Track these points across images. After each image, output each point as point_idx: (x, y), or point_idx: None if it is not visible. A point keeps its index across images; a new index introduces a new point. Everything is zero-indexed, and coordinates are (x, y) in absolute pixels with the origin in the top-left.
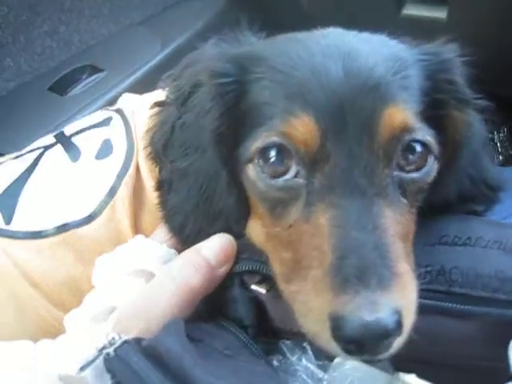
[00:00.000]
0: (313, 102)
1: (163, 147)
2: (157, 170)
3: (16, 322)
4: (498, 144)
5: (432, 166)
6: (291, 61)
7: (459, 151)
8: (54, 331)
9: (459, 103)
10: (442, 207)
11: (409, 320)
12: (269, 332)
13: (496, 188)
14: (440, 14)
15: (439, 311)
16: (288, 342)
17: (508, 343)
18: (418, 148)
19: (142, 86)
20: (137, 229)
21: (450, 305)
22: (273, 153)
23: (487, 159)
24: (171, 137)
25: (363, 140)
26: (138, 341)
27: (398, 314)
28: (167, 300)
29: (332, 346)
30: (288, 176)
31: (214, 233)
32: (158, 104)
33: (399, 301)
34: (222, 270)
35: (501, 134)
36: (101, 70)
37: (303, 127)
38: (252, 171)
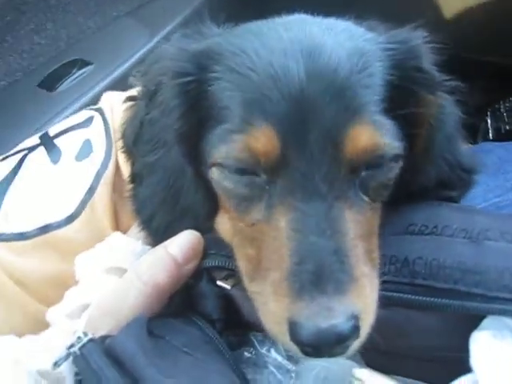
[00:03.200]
0: (272, 111)
1: (133, 141)
2: (129, 163)
3: (3, 318)
4: (505, 114)
5: (396, 165)
6: (249, 61)
7: (434, 135)
8: (41, 326)
9: (429, 87)
10: (418, 195)
11: (367, 322)
12: (239, 325)
13: (471, 171)
14: None
15: (403, 303)
16: (258, 335)
17: (469, 335)
18: (385, 159)
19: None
20: (118, 225)
21: (413, 297)
22: (234, 164)
23: (460, 142)
24: (140, 131)
25: (326, 149)
26: (103, 339)
27: (355, 318)
28: (135, 298)
29: (291, 347)
30: (252, 175)
31: (183, 227)
32: (130, 98)
33: (356, 305)
34: (190, 267)
35: (507, 104)
36: (89, 64)
37: (263, 139)
38: (216, 174)
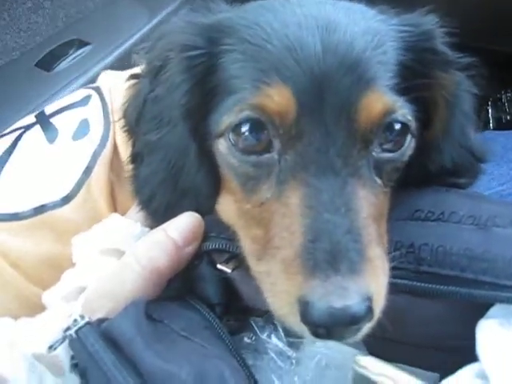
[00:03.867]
0: (289, 75)
1: (136, 120)
2: (130, 142)
3: None
4: (506, 104)
5: (409, 145)
6: (264, 32)
7: (452, 113)
8: (37, 309)
9: (443, 65)
10: (426, 180)
11: (379, 305)
12: (240, 310)
13: (480, 158)
14: None
15: (408, 290)
16: (259, 320)
17: (476, 323)
18: (397, 128)
19: (130, 58)
20: (115, 206)
21: (419, 284)
22: (246, 127)
23: (472, 127)
24: (143, 110)
25: (341, 121)
26: (100, 322)
27: (368, 300)
28: (133, 281)
29: (301, 328)
30: (261, 151)
31: (183, 208)
32: (133, 76)
33: (370, 287)
34: (189, 250)
35: (508, 94)
36: (87, 44)
37: (279, 97)
38: (223, 146)
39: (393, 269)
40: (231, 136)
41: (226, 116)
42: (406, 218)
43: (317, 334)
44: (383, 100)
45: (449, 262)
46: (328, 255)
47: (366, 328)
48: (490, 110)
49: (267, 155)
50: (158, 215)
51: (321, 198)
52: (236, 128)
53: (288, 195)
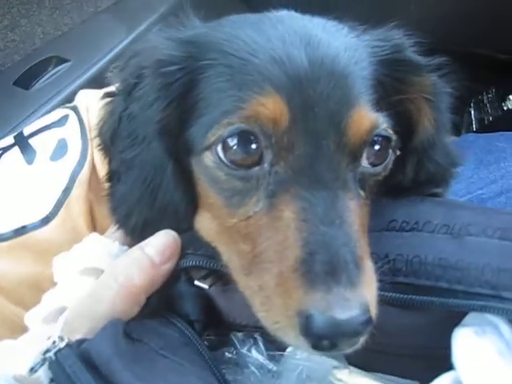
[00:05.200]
0: (280, 85)
1: (111, 138)
2: (106, 161)
3: None
4: (488, 105)
5: (390, 158)
6: (247, 46)
7: (438, 111)
8: (19, 329)
9: (416, 70)
10: (402, 191)
11: (374, 315)
12: (220, 325)
13: (454, 164)
14: None
15: (385, 301)
16: (239, 334)
17: (452, 332)
18: (381, 141)
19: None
20: (95, 226)
21: (395, 295)
22: (235, 140)
23: (448, 132)
24: (118, 128)
25: (330, 135)
26: (79, 343)
27: (369, 310)
28: (111, 300)
29: (299, 341)
30: (250, 165)
31: (161, 226)
32: (107, 94)
33: (367, 297)
34: (167, 267)
35: (489, 95)
36: (66, 61)
37: (273, 104)
38: (209, 159)
39: None
40: (219, 149)
41: (214, 129)
42: (382, 229)
43: (319, 347)
44: (370, 117)
45: (424, 271)
46: (328, 267)
47: (363, 338)
48: (472, 112)
49: (256, 168)
50: (135, 233)
51: (315, 211)
52: (225, 141)
53: (281, 208)
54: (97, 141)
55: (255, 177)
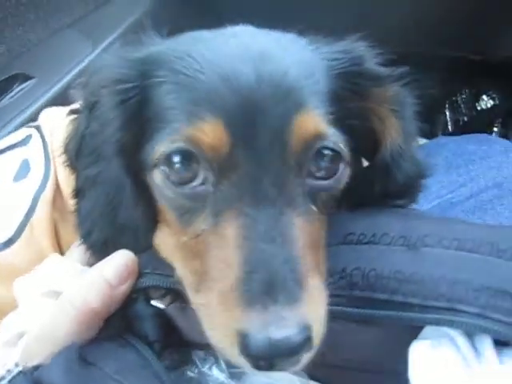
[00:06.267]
0: (221, 107)
1: (75, 155)
2: (73, 177)
3: None
4: (462, 105)
5: (342, 173)
6: (196, 63)
7: (403, 120)
8: None
9: (376, 81)
10: (362, 204)
11: (318, 334)
12: (180, 344)
13: (421, 175)
14: None
15: (342, 316)
16: (200, 353)
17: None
18: (329, 155)
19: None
20: (60, 246)
21: (352, 310)
22: (178, 159)
23: (415, 142)
24: (81, 145)
25: (274, 148)
26: (34, 369)
27: (308, 329)
28: (68, 324)
29: (240, 361)
30: (195, 183)
31: (121, 242)
32: (72, 111)
33: (308, 316)
34: (123, 288)
35: (463, 96)
36: (31, 78)
37: (211, 131)
38: (158, 177)
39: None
40: (164, 168)
41: (158, 146)
42: (339, 242)
43: (258, 367)
44: (314, 121)
45: (380, 285)
46: (265, 286)
47: (307, 357)
48: (447, 113)
49: (202, 187)
50: (95, 250)
51: (257, 228)
52: (168, 158)
53: (224, 226)
54: (63, 157)
55: (201, 195)
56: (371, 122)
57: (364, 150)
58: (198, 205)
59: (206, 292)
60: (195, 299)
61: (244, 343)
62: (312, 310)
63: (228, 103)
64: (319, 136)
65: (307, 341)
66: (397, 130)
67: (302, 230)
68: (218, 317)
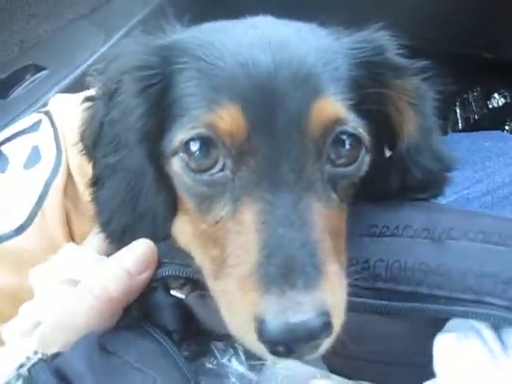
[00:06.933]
0: (240, 93)
1: (93, 143)
2: (90, 165)
3: None
4: (473, 103)
5: (363, 160)
6: (217, 51)
7: (420, 115)
8: None
9: (397, 73)
10: (386, 196)
11: (338, 320)
12: (200, 334)
13: (448, 167)
14: None
15: (366, 308)
16: (219, 344)
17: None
18: (349, 140)
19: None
20: (72, 234)
21: (375, 301)
22: (197, 145)
23: (437, 133)
24: (100, 133)
25: (292, 134)
26: (54, 357)
27: (326, 314)
28: (87, 313)
29: (259, 347)
30: (214, 170)
31: (140, 230)
32: (88, 99)
33: (327, 301)
34: (143, 278)
35: (475, 94)
36: (44, 69)
37: (229, 117)
38: (177, 165)
39: (349, 286)
40: (183, 155)
41: (178, 133)
42: (362, 234)
43: (276, 353)
44: (333, 106)
45: (404, 277)
46: (283, 270)
47: (326, 344)
48: (458, 111)
49: (220, 173)
50: (114, 238)
51: (275, 213)
52: (187, 145)
53: (242, 212)
54: (79, 146)
55: (220, 182)
56: (390, 112)
57: (383, 138)
58: (217, 191)
59: (225, 278)
60: (214, 286)
61: (261, 328)
62: (330, 295)
63: (246, 89)
64: (338, 120)
65: (326, 326)
66: (414, 125)
67: (321, 215)
68: (235, 303)
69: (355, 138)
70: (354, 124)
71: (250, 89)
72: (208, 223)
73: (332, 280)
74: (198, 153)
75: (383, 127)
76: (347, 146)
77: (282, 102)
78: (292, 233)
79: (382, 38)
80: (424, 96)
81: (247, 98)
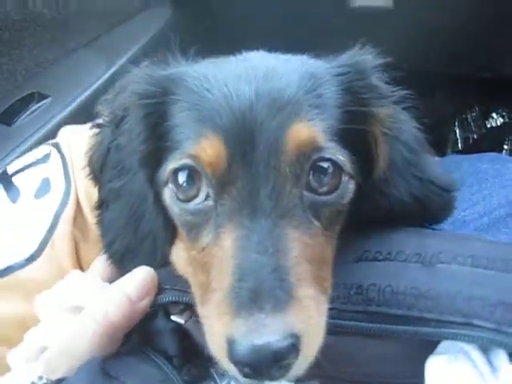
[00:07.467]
0: (222, 125)
1: (100, 167)
2: (96, 189)
3: None
4: (472, 123)
5: (347, 187)
6: (207, 83)
7: (392, 146)
8: (4, 368)
9: (378, 100)
10: (397, 217)
11: (311, 344)
12: (199, 358)
13: (447, 188)
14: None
15: (359, 332)
16: (219, 368)
17: (425, 360)
18: (329, 167)
19: (89, 108)
20: (80, 263)
21: (369, 325)
22: (184, 176)
23: (427, 157)
24: (107, 158)
25: (270, 159)
26: (58, 382)
27: (293, 337)
28: (90, 339)
29: (231, 369)
30: (197, 200)
31: (141, 253)
32: (96, 126)
33: (295, 324)
34: (144, 304)
35: (473, 114)
36: (47, 96)
37: (211, 149)
38: (167, 195)
39: (342, 311)
40: (172, 186)
41: (170, 163)
42: (355, 259)
43: (246, 374)
44: (308, 129)
45: (396, 301)
46: (252, 294)
47: (299, 366)
48: (457, 131)
49: (204, 202)
50: (116, 259)
51: (252, 239)
52: (175, 175)
53: (223, 238)
54: (86, 170)
55: (204, 211)
56: (369, 139)
57: (368, 165)
58: (203, 220)
59: (208, 304)
60: (201, 312)
61: (231, 349)
62: (302, 319)
63: (228, 121)
64: (314, 145)
65: (291, 348)
66: (384, 155)
67: (298, 241)
68: (213, 325)
69: (335, 165)
70: (333, 150)
71: (232, 120)
72: (197, 250)
73: (304, 304)
74: (184, 184)
75: (366, 154)
76: (328, 174)
77: (261, 130)
78: (264, 258)
79: (366, 61)
80: (400, 125)
81: (228, 128)
